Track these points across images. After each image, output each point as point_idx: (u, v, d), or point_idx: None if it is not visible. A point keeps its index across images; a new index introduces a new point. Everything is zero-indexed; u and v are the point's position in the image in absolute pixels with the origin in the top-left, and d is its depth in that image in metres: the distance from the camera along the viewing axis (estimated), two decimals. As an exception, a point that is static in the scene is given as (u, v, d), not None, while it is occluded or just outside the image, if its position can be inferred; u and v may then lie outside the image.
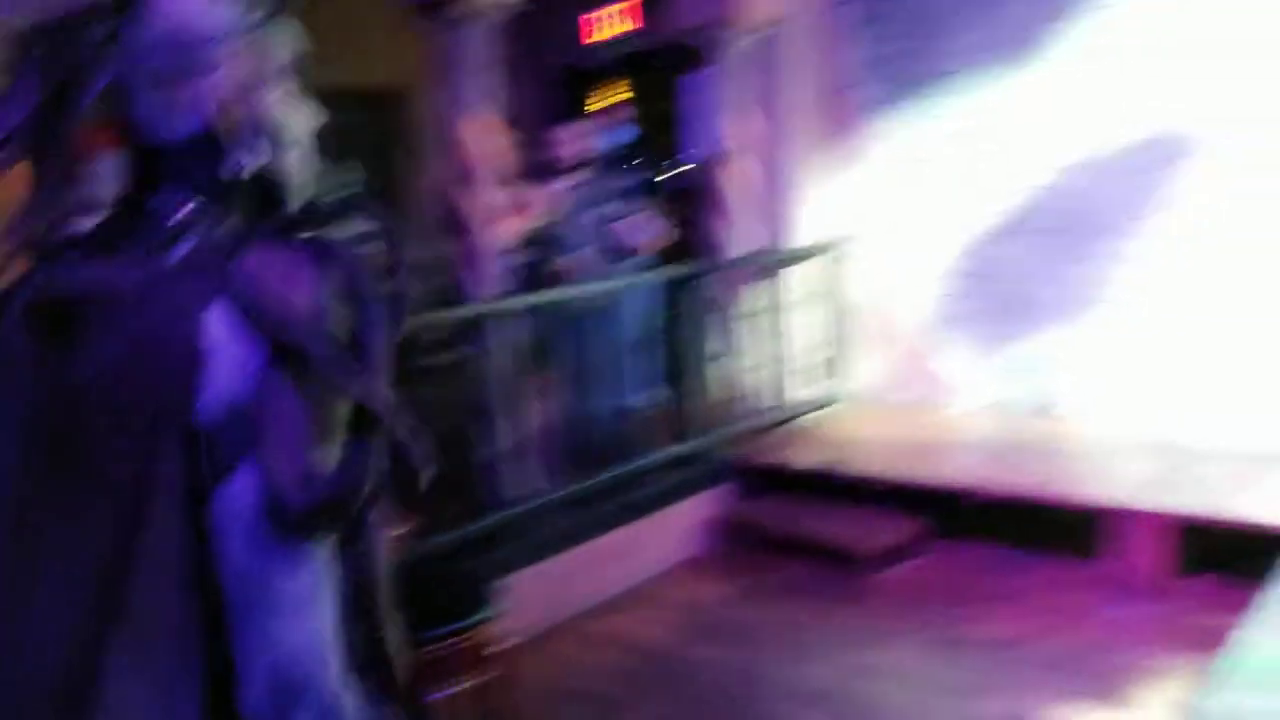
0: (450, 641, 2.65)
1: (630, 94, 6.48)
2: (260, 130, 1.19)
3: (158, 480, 1.03)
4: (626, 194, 4.89)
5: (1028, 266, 5.10)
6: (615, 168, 4.99)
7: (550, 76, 6.73)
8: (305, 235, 1.12)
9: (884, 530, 4.35)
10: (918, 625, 3.83)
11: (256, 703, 1.04)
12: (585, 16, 6.58)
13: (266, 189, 1.16)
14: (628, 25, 6.42)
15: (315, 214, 1.18)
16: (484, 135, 4.14)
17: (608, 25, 6.56)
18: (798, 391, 5.52)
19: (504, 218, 4.29)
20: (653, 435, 4.85)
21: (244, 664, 1.04)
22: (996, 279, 5.22)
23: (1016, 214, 5.13)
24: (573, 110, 6.38)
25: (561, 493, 4.17)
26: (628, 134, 5.63)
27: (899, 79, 5.41)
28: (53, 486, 1.07)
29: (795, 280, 5.48)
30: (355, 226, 1.19)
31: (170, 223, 1.12)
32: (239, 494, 1.03)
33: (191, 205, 1.13)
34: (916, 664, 3.58)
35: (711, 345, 5.08)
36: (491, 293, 4.08)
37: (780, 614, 4.00)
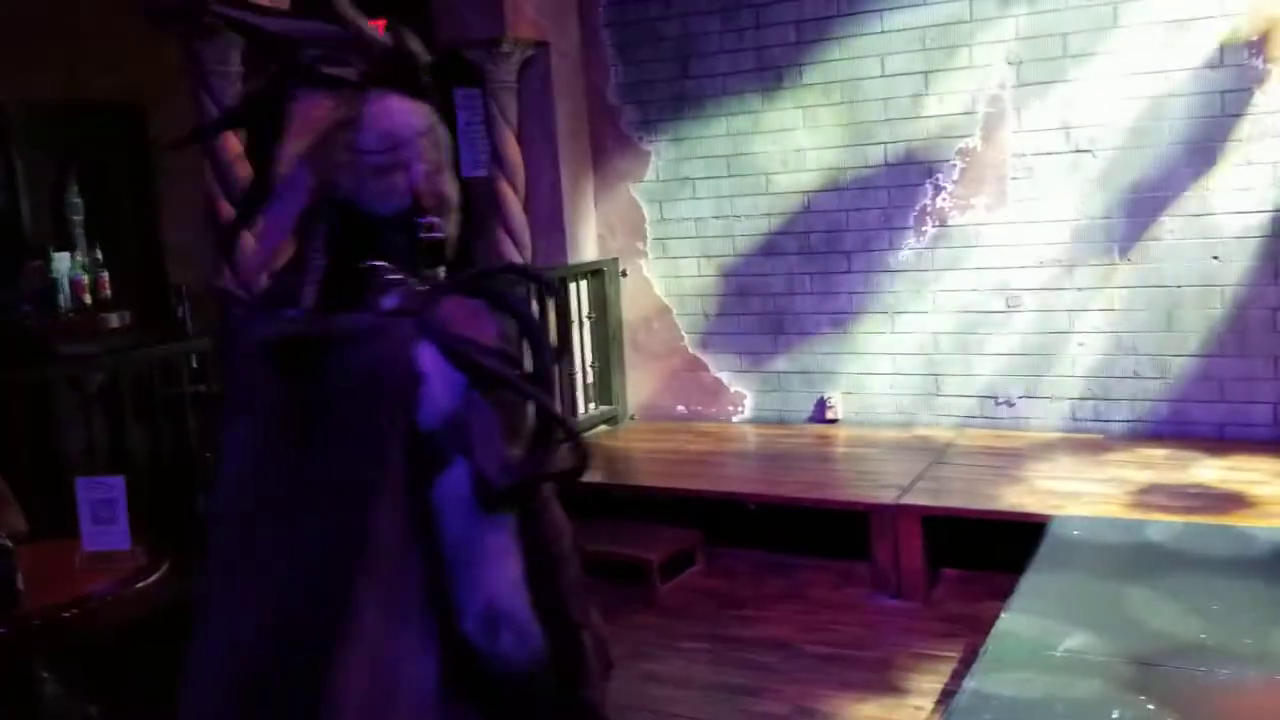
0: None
1: None
2: (444, 205, 1.62)
3: (386, 467, 1.46)
4: None
5: (793, 282, 5.35)
6: None
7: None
8: (480, 288, 1.56)
9: (664, 542, 4.43)
10: (701, 632, 3.93)
11: (473, 629, 1.49)
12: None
13: (435, 247, 1.60)
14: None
15: (486, 274, 1.63)
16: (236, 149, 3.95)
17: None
18: (582, 408, 5.57)
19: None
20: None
21: (461, 601, 1.48)
22: (764, 294, 5.45)
23: (779, 232, 5.37)
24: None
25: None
26: None
27: (661, 103, 5.57)
28: (297, 461, 1.49)
29: (570, 298, 5.53)
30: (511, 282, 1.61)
31: (384, 279, 1.53)
32: (455, 480, 1.47)
33: (396, 266, 1.56)
34: (702, 669, 3.67)
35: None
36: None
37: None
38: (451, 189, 1.63)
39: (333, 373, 1.47)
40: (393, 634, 1.44)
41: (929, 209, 5.01)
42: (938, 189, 4.97)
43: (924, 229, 5.04)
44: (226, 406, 1.61)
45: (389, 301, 1.50)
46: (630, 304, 5.79)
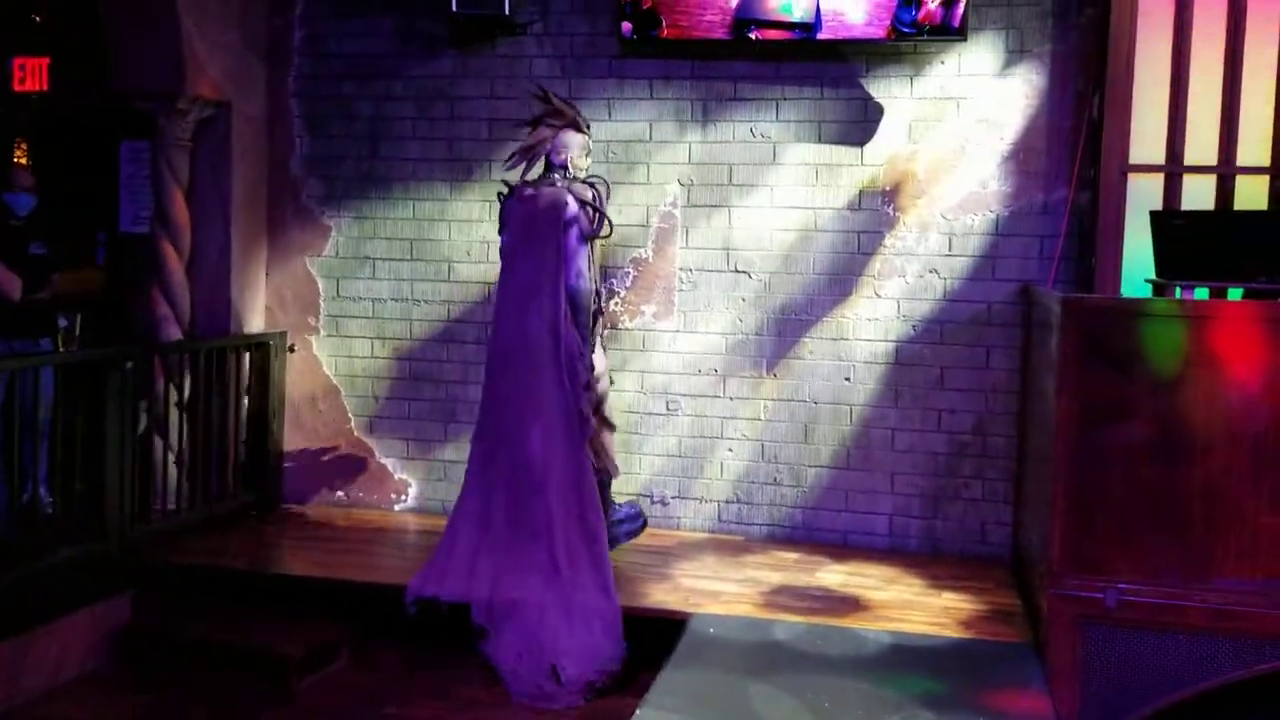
0: None
1: (27, 158, 5.98)
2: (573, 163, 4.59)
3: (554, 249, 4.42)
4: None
5: (469, 371, 5.38)
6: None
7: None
8: (588, 183, 4.61)
9: (306, 635, 4.23)
10: (340, 731, 3.75)
11: None
12: (18, 59, 5.92)
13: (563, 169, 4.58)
14: (40, 83, 5.90)
15: (589, 179, 4.68)
16: None
17: (28, 76, 5.93)
18: (230, 488, 5.26)
19: None
20: (56, 533, 4.37)
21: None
22: (438, 381, 5.44)
23: (458, 320, 5.41)
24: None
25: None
26: (25, 203, 5.19)
27: (347, 179, 5.51)
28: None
29: (233, 369, 5.26)
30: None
31: (555, 174, 4.57)
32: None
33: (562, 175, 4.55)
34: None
35: (137, 434, 4.71)
36: None
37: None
38: (574, 156, 4.60)
39: (539, 201, 4.37)
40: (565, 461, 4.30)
41: (603, 311, 5.23)
42: (612, 294, 5.22)
43: (598, 329, 5.24)
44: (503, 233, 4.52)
45: (558, 180, 4.46)
46: (296, 381, 5.58)
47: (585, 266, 4.43)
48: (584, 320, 4.44)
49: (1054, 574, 3.71)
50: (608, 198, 4.56)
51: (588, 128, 4.65)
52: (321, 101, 5.54)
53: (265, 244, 5.59)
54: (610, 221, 4.50)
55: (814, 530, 5.01)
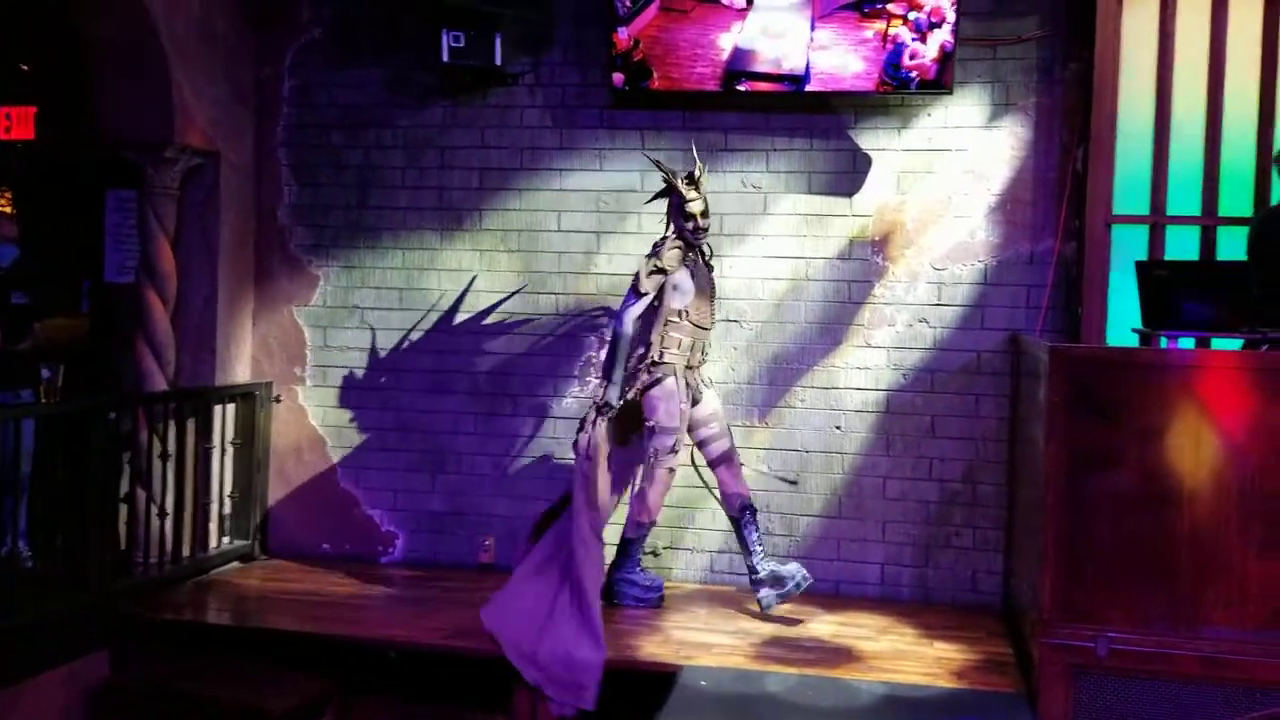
0: None
1: (12, 206, 6.11)
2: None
3: None
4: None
5: (458, 421, 5.49)
6: None
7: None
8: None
9: (289, 690, 4.28)
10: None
11: None
12: (4, 108, 6.06)
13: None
14: (26, 132, 6.05)
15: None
16: None
17: (15, 125, 6.07)
18: (214, 541, 5.33)
19: None
20: (35, 588, 4.43)
21: None
22: (426, 431, 5.54)
23: (447, 370, 5.52)
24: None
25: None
26: (8, 254, 5.30)
27: (335, 228, 5.66)
28: None
29: (219, 421, 5.35)
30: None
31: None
32: None
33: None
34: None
35: (122, 487, 4.78)
36: None
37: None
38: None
39: None
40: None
41: (593, 360, 5.37)
42: (602, 343, 5.35)
43: (587, 379, 5.38)
44: None
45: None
46: (281, 432, 5.68)
47: (631, 313, 4.69)
48: (607, 357, 4.75)
49: (1045, 623, 3.82)
50: (662, 254, 4.72)
51: (685, 189, 4.75)
52: (310, 151, 5.69)
53: (252, 293, 5.72)
54: (648, 272, 4.69)
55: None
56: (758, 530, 4.79)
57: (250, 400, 5.54)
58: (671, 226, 4.82)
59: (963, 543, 5.05)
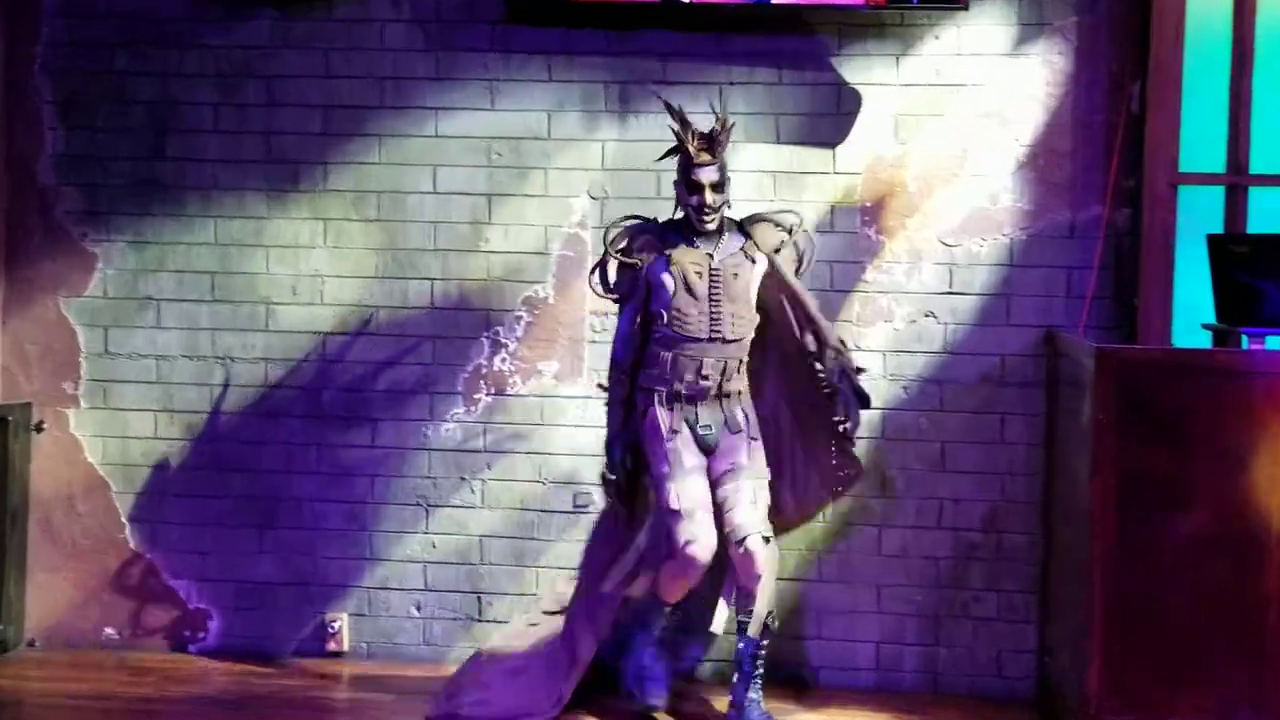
0: None
1: None
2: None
3: None
4: None
5: (294, 456, 5.56)
6: None
7: None
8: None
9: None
10: None
11: None
12: None
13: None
14: None
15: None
16: None
17: None
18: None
19: None
20: None
21: None
22: (252, 470, 5.60)
23: (280, 385, 5.59)
24: None
25: None
26: None
27: (120, 189, 5.66)
28: None
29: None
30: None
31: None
32: None
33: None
34: None
35: None
36: None
37: None
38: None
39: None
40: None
41: (484, 371, 5.48)
42: (497, 347, 5.47)
43: (476, 397, 5.49)
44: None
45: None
46: (45, 472, 5.67)
47: (619, 334, 4.80)
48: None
49: (1092, 716, 3.96)
50: (612, 242, 4.79)
51: (696, 149, 4.68)
52: (84, 79, 5.67)
53: (1, 280, 5.69)
54: (596, 281, 4.83)
55: (773, 665, 5.17)
56: (765, 658, 4.72)
57: (1, 428, 5.52)
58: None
59: (983, 611, 5.24)
